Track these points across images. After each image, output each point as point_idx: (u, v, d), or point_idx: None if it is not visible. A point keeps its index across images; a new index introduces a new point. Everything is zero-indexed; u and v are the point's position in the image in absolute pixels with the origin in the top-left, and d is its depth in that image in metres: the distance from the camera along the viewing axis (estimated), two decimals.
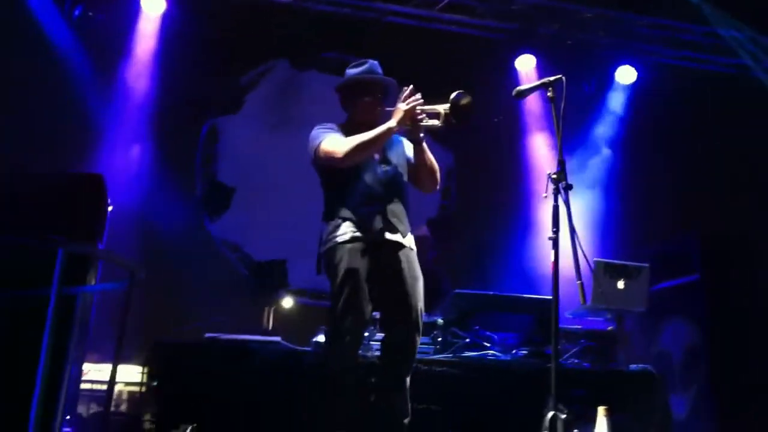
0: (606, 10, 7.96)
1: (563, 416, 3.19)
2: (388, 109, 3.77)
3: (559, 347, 4.63)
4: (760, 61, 8.23)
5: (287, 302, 7.04)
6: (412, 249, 3.82)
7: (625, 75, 8.17)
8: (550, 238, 3.40)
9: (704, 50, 8.30)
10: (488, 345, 4.70)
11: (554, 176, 3.44)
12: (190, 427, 4.09)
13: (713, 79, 8.31)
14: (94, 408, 6.05)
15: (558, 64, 7.34)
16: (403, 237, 3.77)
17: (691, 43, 8.28)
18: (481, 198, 8.02)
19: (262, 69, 8.01)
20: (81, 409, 5.74)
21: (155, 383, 4.23)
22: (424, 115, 3.70)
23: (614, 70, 8.18)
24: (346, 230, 3.67)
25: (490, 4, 7.84)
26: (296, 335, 4.81)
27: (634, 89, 8.22)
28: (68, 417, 4.51)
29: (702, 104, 8.13)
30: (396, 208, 3.78)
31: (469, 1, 7.79)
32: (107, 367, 5.79)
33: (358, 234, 3.67)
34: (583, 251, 3.37)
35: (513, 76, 7.92)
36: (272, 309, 5.93)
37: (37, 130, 6.58)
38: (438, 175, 3.94)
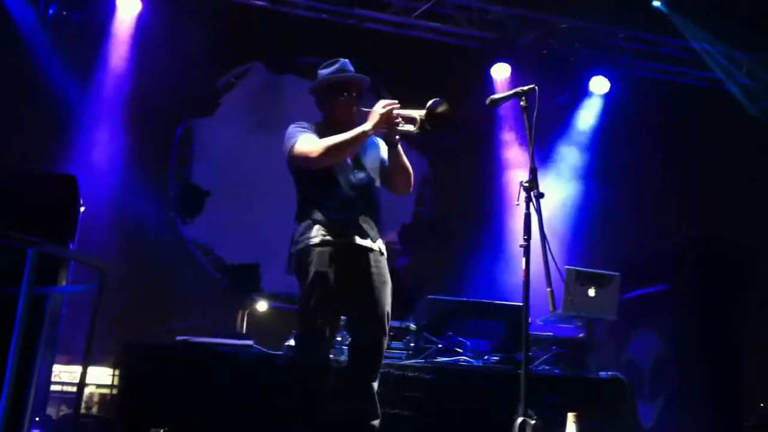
0: (582, 21, 8.06)
1: (532, 422, 3.21)
2: (364, 109, 3.77)
3: (530, 354, 4.71)
4: (733, 75, 8.38)
5: (261, 306, 7.03)
6: (382, 254, 3.83)
7: (599, 86, 8.26)
8: (521, 246, 3.43)
9: (679, 63, 8.46)
10: (460, 351, 4.71)
11: (526, 184, 3.47)
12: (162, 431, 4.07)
13: (687, 91, 8.45)
14: (64, 410, 5.99)
15: (533, 74, 7.42)
16: (374, 242, 3.78)
17: (666, 56, 8.42)
18: (456, 204, 8.07)
19: (238, 71, 8.00)
20: (51, 411, 5.69)
21: (124, 386, 4.19)
22: (400, 120, 3.72)
23: (588, 81, 8.27)
24: (317, 233, 3.68)
25: (467, 13, 7.92)
26: (271, 339, 4.79)
27: (607, 100, 8.31)
28: (37, 418, 4.46)
29: (676, 116, 8.25)
30: (368, 214, 3.79)
31: (447, 10, 7.88)
32: (78, 369, 5.76)
33: (328, 237, 3.67)
34: (554, 259, 3.41)
35: (489, 85, 7.98)
36: (246, 312, 5.92)
37: (10, 129, 6.52)
38: (411, 178, 3.93)
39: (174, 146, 7.73)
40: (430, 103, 3.64)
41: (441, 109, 3.65)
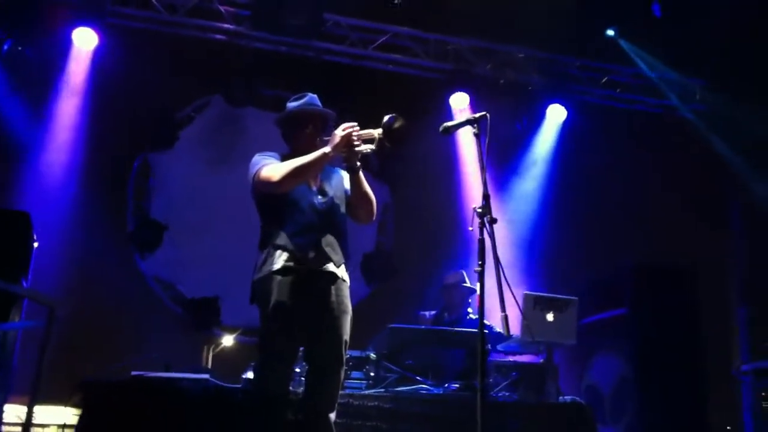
0: (537, 51, 8.21)
1: None
2: (325, 138, 3.81)
3: (490, 380, 4.73)
4: (687, 101, 8.59)
5: (227, 341, 6.96)
6: (344, 281, 3.83)
7: (556, 113, 8.38)
8: (476, 271, 3.44)
9: (632, 91, 8.63)
10: (420, 379, 4.70)
11: (479, 210, 3.50)
12: None
13: (640, 118, 8.63)
14: None
15: (491, 103, 7.50)
16: (337, 267, 3.78)
17: (619, 83, 8.60)
18: (418, 232, 8.08)
19: (196, 105, 7.98)
20: None
21: (79, 424, 4.11)
22: (359, 141, 3.74)
23: (545, 108, 8.38)
24: (279, 259, 3.67)
25: (425, 45, 8.03)
26: (237, 374, 4.73)
27: (564, 126, 8.44)
28: None
29: (631, 142, 8.40)
30: (331, 239, 3.80)
31: (404, 42, 7.98)
32: (40, 409, 5.64)
33: (290, 264, 3.67)
34: (508, 283, 3.42)
35: (448, 114, 8.05)
36: (211, 347, 5.85)
37: None
38: (374, 206, 3.95)
39: (131, 180, 7.66)
40: (385, 119, 3.68)
41: (397, 124, 3.69)
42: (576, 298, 4.99)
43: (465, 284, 5.94)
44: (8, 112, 6.74)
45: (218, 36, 7.50)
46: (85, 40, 7.04)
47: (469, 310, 5.90)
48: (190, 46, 7.38)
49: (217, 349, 5.91)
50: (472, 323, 5.73)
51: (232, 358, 6.22)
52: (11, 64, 6.80)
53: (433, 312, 6.01)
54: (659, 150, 8.41)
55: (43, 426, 5.81)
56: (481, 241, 3.49)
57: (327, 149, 3.70)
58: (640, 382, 6.00)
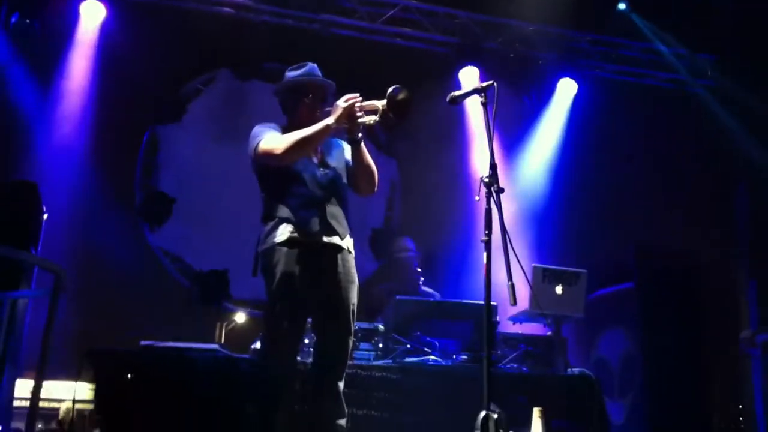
0: (547, 25, 8.13)
1: (495, 416, 3.20)
2: (327, 109, 3.77)
3: (498, 352, 4.73)
4: (697, 76, 8.52)
5: (240, 317, 6.98)
6: (350, 252, 3.82)
7: (566, 87, 8.33)
8: (482, 241, 3.43)
9: (643, 65, 8.55)
10: (429, 351, 4.70)
11: (486, 180, 3.48)
12: None
13: (652, 92, 8.56)
14: (41, 426, 5.90)
15: (500, 77, 7.41)
16: (342, 239, 3.77)
17: (630, 58, 8.53)
18: (426, 207, 8.05)
19: (204, 78, 7.97)
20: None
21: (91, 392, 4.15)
22: (362, 112, 3.71)
23: (555, 83, 8.34)
24: (284, 231, 3.66)
25: (434, 19, 7.96)
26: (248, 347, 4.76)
27: (574, 101, 8.38)
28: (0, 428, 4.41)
29: (641, 117, 8.35)
30: (335, 210, 3.78)
31: (413, 15, 7.91)
32: (56, 384, 5.69)
33: (295, 235, 3.65)
34: (515, 253, 3.41)
35: (456, 89, 7.98)
36: (225, 324, 5.89)
37: None
38: (376, 177, 3.91)
39: (140, 153, 7.69)
40: (390, 90, 3.62)
41: (402, 96, 3.63)
42: (585, 271, 4.97)
43: (413, 252, 5.89)
44: (16, 85, 6.75)
45: (225, 9, 7.46)
46: (92, 13, 7.04)
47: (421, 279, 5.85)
48: (198, 19, 7.34)
49: (230, 326, 5.94)
50: (426, 295, 5.72)
51: (244, 333, 6.27)
52: (19, 37, 6.80)
53: (387, 286, 5.89)
54: (669, 125, 8.36)
55: (54, 401, 5.86)
56: (488, 211, 3.47)
57: (329, 121, 3.66)
58: (645, 357, 6.00)
